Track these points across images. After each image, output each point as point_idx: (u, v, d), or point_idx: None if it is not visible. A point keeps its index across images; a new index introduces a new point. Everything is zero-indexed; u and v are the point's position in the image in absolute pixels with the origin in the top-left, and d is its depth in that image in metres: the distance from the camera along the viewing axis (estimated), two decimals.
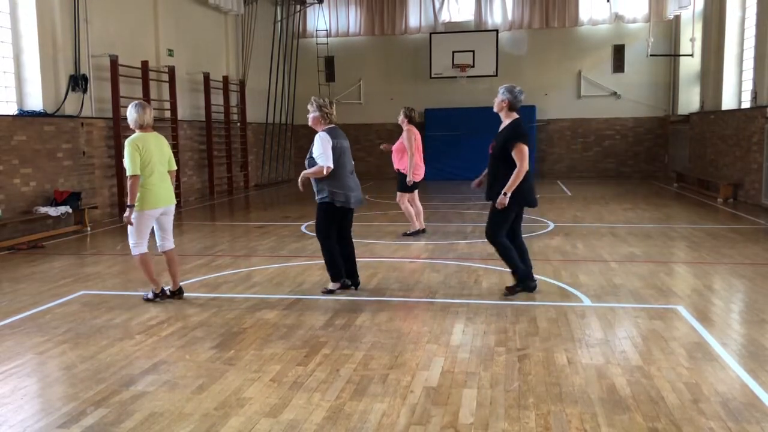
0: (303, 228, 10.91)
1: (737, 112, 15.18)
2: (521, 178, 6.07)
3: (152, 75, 14.22)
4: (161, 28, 14.80)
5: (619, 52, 20.66)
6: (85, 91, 12.12)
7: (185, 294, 6.59)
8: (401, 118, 9.80)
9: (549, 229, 10.64)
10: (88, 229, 11.34)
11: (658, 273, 7.39)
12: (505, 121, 6.28)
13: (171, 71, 14.79)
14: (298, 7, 21.77)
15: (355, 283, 6.75)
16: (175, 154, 15.02)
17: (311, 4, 21.89)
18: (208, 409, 3.94)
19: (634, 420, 3.70)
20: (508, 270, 6.56)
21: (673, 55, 20.01)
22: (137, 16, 14.07)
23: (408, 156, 9.67)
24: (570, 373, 4.41)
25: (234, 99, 18.52)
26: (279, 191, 18.55)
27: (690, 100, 19.39)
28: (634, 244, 9.11)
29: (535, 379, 4.32)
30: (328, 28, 22.02)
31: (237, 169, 18.71)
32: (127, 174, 6.08)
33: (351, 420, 3.75)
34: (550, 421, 3.71)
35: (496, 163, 6.20)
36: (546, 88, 20.92)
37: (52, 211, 10.67)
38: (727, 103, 16.31)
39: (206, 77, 16.60)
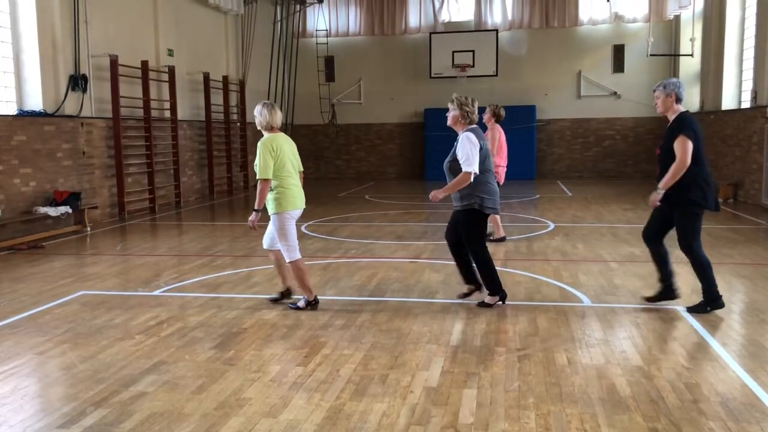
0: (303, 228, 10.90)
1: (737, 112, 15.18)
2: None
3: (152, 75, 14.20)
4: (161, 28, 14.79)
5: (619, 52, 20.65)
6: (84, 91, 12.11)
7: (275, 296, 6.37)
8: (487, 116, 9.10)
9: (549, 229, 10.64)
10: (88, 229, 11.34)
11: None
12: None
13: (171, 71, 14.78)
14: (298, 7, 21.76)
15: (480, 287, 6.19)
16: (175, 154, 15.07)
17: (311, 4, 21.88)
18: (208, 409, 3.94)
19: (634, 420, 3.70)
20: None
21: (673, 55, 20.00)
22: (137, 16, 14.06)
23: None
24: (570, 373, 4.40)
25: (234, 99, 18.51)
26: None
27: (690, 100, 19.35)
28: (634, 244, 9.10)
29: (535, 379, 4.32)
30: (328, 28, 22.01)
31: (237, 169, 18.71)
32: (258, 177, 5.72)
33: (351, 420, 3.75)
34: (550, 421, 3.71)
35: None
36: (546, 88, 20.93)
37: (52, 212, 10.66)
38: (727, 103, 16.30)
39: (206, 77, 16.60)
